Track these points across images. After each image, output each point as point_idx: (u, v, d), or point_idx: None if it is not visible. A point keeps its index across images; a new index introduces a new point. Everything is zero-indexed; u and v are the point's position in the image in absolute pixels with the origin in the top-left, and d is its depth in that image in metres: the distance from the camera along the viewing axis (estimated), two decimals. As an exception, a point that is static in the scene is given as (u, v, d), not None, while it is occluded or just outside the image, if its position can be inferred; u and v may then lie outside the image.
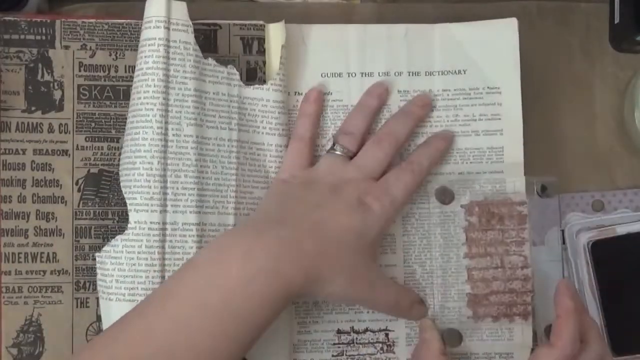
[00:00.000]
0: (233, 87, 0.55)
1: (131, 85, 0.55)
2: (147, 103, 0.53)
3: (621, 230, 0.59)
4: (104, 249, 0.53)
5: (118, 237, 0.52)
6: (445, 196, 0.57)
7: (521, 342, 0.56)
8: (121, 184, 0.53)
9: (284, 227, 0.50)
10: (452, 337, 0.56)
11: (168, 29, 0.53)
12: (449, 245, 0.57)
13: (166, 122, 0.53)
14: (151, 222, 0.52)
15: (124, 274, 0.52)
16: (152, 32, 0.53)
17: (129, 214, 0.52)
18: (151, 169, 0.52)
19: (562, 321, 0.49)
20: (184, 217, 0.52)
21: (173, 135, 0.53)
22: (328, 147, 0.57)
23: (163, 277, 0.52)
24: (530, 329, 0.56)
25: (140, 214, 0.52)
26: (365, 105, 0.57)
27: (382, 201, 0.53)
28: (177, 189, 0.53)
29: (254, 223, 0.53)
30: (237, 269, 0.47)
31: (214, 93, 0.54)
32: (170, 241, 0.52)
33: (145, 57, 0.53)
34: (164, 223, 0.52)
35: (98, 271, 0.53)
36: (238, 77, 0.55)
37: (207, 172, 0.54)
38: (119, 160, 0.56)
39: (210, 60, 0.54)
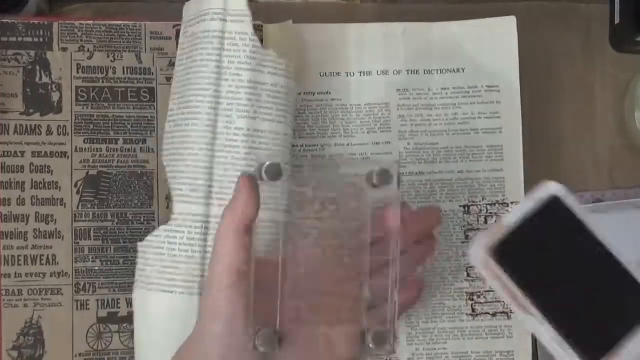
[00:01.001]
0: (290, 80, 0.54)
1: (129, 87, 0.54)
2: (198, 95, 0.52)
3: (509, 219, 0.43)
4: (147, 238, 0.52)
5: (161, 227, 0.52)
6: None
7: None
8: (167, 174, 0.53)
9: None
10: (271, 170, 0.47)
11: (224, 20, 0.52)
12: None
13: (216, 114, 0.52)
14: (194, 214, 0.52)
15: (164, 264, 0.52)
16: (206, 25, 0.52)
17: (174, 204, 0.52)
18: (196, 161, 0.52)
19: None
20: None
21: (223, 127, 0.52)
22: None
23: (203, 269, 0.51)
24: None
25: (183, 205, 0.52)
26: None
27: None
28: (224, 182, 0.52)
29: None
30: None
31: (272, 84, 0.53)
32: (213, 234, 0.51)
33: (200, 49, 0.52)
34: (207, 215, 0.52)
35: (138, 260, 0.53)
36: (292, 70, 0.54)
37: None
38: (117, 162, 0.56)
39: (270, 51, 0.53)
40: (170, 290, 0.51)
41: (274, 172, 0.46)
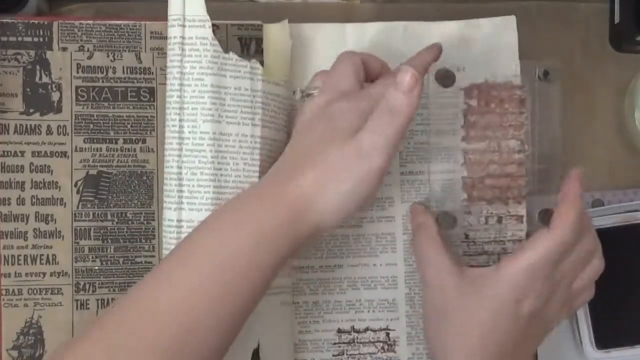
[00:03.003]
0: (256, 82, 0.54)
1: (129, 86, 0.55)
2: (168, 102, 0.53)
3: (607, 221, 0.60)
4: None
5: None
6: (447, 79, 0.56)
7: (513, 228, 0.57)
8: None
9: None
10: (446, 220, 0.56)
11: (184, 26, 0.52)
12: (447, 130, 0.57)
13: (181, 120, 0.52)
14: (169, 220, 0.52)
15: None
16: (170, 31, 0.53)
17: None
18: (168, 167, 0.52)
19: (568, 206, 0.49)
20: (199, 215, 0.52)
21: (189, 132, 0.52)
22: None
23: None
24: (525, 212, 0.56)
25: (165, 211, 0.53)
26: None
27: (344, 97, 0.51)
28: (193, 186, 0.52)
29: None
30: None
31: (235, 88, 0.53)
32: None
33: (169, 56, 0.53)
34: (180, 220, 0.52)
35: None
36: (260, 71, 0.54)
37: (227, 169, 0.53)
38: (117, 162, 0.56)
39: (232, 55, 0.53)
40: None
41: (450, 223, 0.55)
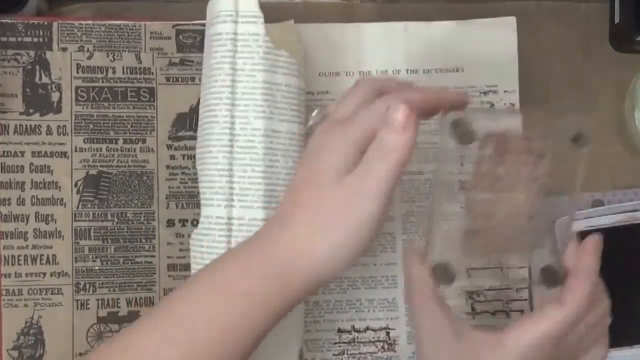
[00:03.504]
0: (301, 80, 0.54)
1: (129, 87, 0.55)
2: (214, 98, 0.52)
3: (607, 221, 0.60)
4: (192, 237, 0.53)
5: (194, 230, 0.52)
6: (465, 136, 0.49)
7: (515, 277, 0.56)
8: (198, 180, 0.53)
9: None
10: (444, 275, 0.49)
11: (236, 22, 0.52)
12: (452, 176, 0.55)
13: (232, 116, 0.52)
14: (217, 217, 0.51)
15: (196, 267, 0.52)
16: (219, 27, 0.52)
17: (201, 208, 0.52)
18: (217, 164, 0.52)
19: (580, 281, 0.46)
20: (250, 212, 0.51)
21: (240, 129, 0.52)
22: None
23: None
24: (526, 263, 0.55)
25: (208, 208, 0.52)
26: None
27: (333, 132, 0.46)
28: (244, 183, 0.52)
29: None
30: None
31: (286, 85, 0.53)
32: (237, 237, 0.51)
33: (213, 52, 0.52)
34: (230, 218, 0.51)
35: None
36: (302, 70, 0.54)
37: (277, 166, 0.52)
38: (117, 162, 0.56)
39: (283, 52, 0.53)
40: None
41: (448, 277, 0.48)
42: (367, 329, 0.58)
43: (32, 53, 0.56)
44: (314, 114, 0.52)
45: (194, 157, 0.55)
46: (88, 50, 0.56)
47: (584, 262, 0.46)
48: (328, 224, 0.44)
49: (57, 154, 0.56)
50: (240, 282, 0.44)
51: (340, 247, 0.44)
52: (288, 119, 0.53)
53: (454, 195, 0.51)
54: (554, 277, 0.48)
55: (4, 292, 0.55)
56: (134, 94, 0.57)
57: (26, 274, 0.55)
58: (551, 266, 0.49)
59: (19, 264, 0.55)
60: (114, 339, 0.45)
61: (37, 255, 0.55)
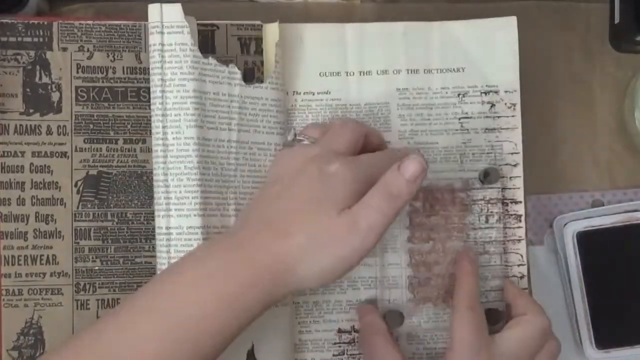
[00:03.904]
0: (234, 87, 0.55)
1: (129, 87, 0.55)
2: (151, 110, 0.53)
3: (607, 221, 0.60)
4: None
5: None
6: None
7: None
8: None
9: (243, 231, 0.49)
10: (393, 318, 0.57)
11: (162, 33, 0.53)
12: (393, 229, 0.57)
13: (164, 127, 0.53)
14: (158, 227, 0.53)
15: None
16: (150, 39, 0.53)
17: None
18: (156, 174, 0.53)
19: (463, 280, 0.53)
20: (188, 221, 0.52)
21: (173, 138, 0.53)
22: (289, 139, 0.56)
23: None
24: None
25: (155, 219, 0.53)
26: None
27: (345, 163, 0.48)
28: (180, 192, 0.53)
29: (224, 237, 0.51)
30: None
31: (214, 93, 0.54)
32: (175, 245, 0.53)
33: (150, 63, 0.54)
34: (168, 227, 0.53)
35: None
36: (239, 76, 0.55)
37: (209, 174, 0.53)
38: (117, 162, 0.56)
39: (211, 60, 0.54)
40: None
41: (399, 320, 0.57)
42: (367, 329, 0.58)
43: (32, 53, 0.56)
44: (289, 136, 0.56)
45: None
46: (88, 50, 0.56)
47: (462, 267, 0.55)
48: (325, 245, 0.47)
49: (57, 154, 0.56)
50: (229, 288, 0.46)
51: (326, 273, 0.47)
52: (216, 126, 0.54)
53: (401, 245, 0.57)
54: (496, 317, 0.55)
55: (4, 292, 0.55)
56: (134, 94, 0.57)
57: (26, 274, 0.55)
58: (492, 308, 0.55)
59: (19, 264, 0.55)
60: (76, 336, 0.47)
61: (37, 256, 0.55)
